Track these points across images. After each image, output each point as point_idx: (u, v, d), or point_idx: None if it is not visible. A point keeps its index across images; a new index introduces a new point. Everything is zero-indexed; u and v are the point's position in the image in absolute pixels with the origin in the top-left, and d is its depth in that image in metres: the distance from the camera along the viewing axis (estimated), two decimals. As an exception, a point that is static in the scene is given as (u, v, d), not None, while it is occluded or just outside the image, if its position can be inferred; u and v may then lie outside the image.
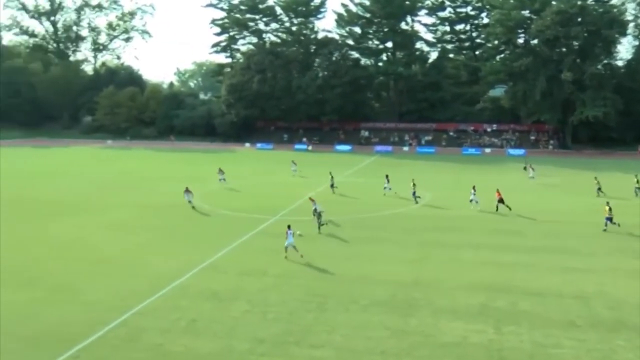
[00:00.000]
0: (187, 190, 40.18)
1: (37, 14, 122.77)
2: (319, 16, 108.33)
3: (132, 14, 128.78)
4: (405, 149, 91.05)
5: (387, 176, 45.42)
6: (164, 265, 25.90)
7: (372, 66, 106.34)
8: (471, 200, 38.76)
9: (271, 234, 32.04)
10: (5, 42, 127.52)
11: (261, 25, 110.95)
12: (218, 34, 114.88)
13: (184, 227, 34.20)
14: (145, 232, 32.76)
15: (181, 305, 21.05)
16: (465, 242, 30.05)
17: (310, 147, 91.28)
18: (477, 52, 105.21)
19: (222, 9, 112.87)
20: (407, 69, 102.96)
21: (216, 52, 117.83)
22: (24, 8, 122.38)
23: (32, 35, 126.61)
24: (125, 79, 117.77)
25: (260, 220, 35.32)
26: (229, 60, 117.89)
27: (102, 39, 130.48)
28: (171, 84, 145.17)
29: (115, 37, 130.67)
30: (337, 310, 20.57)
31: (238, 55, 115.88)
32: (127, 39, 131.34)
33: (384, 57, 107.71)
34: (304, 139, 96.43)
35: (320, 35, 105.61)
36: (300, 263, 26.20)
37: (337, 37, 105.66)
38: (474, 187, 39.49)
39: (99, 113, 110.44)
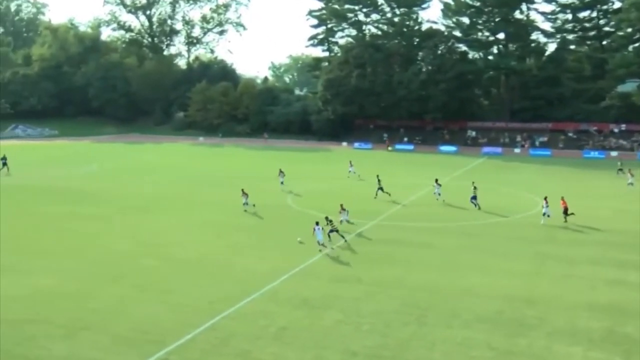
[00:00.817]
0: (243, 193, 40.39)
1: (134, 9, 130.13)
2: (424, 6, 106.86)
3: (226, 7, 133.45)
4: (517, 150, 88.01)
5: (437, 180, 43.91)
6: (254, 269, 26.59)
7: (481, 60, 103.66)
8: (544, 214, 36.05)
9: (369, 239, 32.17)
10: (103, 37, 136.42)
11: (361, 17, 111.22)
12: (315, 26, 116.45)
13: (275, 228, 34.92)
14: (235, 232, 33.78)
15: (271, 311, 21.50)
16: (584, 256, 28.63)
17: (390, 148, 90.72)
18: (604, 43, 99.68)
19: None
20: (521, 63, 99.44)
21: (313, 45, 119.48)
22: (122, 3, 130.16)
23: (129, 30, 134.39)
24: (218, 73, 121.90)
25: (357, 224, 35.40)
26: (326, 54, 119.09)
27: (196, 32, 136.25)
28: (265, 79, 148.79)
29: (209, 30, 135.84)
30: (438, 325, 20.23)
31: (336, 48, 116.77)
32: (221, 32, 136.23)
33: (495, 49, 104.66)
34: (405, 139, 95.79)
35: (425, 27, 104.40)
36: (397, 271, 26.00)
37: (442, 28, 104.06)
38: (545, 199, 36.55)
39: (192, 109, 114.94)
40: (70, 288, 23.85)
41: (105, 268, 26.64)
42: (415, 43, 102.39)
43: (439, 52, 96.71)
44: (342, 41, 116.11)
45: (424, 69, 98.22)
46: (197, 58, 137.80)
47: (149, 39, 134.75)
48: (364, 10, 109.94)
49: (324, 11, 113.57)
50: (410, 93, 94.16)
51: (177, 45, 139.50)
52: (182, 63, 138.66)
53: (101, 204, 42.22)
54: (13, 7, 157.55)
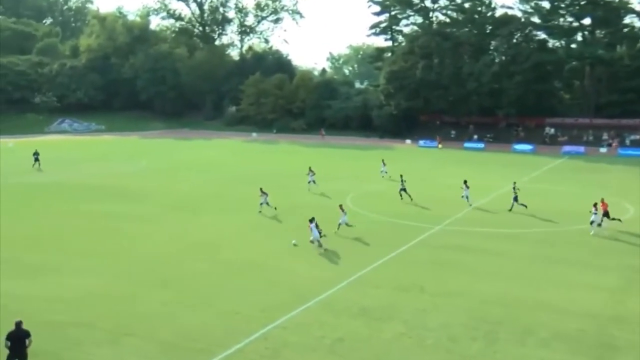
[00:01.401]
0: (262, 192, 40.39)
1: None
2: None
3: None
4: (603, 150, 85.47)
5: (465, 182, 43.31)
6: (309, 275, 26.71)
7: (562, 49, 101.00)
8: (592, 222, 34.38)
9: (434, 245, 31.91)
10: (152, 26, 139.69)
11: (427, 3, 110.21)
12: (377, 14, 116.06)
13: (332, 232, 34.92)
14: (289, 234, 33.89)
15: (327, 321, 21.54)
16: (681, 271, 27.49)
17: (440, 145, 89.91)
18: None
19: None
20: (610, 51, 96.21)
21: (375, 34, 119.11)
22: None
23: (179, 18, 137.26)
24: (272, 64, 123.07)
25: (421, 229, 35.15)
26: (389, 43, 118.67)
27: (250, 20, 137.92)
28: (323, 71, 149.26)
29: (264, 18, 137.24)
30: (510, 342, 19.83)
31: (400, 37, 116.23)
32: (276, 21, 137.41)
33: (579, 37, 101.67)
34: (475, 136, 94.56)
35: (499, 13, 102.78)
36: (465, 281, 25.62)
37: (519, 14, 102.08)
38: (595, 205, 34.55)
39: (244, 102, 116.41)
40: (117, 291, 24.52)
41: (153, 270, 27.29)
42: (488, 31, 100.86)
43: (515, 40, 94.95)
44: (406, 29, 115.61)
45: (496, 60, 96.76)
46: (250, 48, 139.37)
47: (200, 28, 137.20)
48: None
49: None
50: (481, 86, 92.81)
51: (230, 35, 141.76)
52: (234, 54, 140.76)
53: (149, 203, 43.30)
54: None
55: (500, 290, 24.66)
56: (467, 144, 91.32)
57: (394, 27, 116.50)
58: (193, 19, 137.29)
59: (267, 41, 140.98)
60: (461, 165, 67.41)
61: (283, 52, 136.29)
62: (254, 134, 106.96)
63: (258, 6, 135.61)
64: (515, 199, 40.52)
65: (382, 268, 27.89)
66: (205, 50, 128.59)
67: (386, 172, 55.74)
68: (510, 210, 40.30)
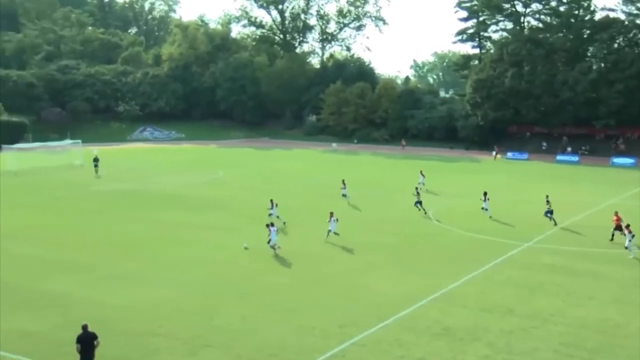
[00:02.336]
0: (272, 203, 40.52)
1: (266, 3, 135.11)
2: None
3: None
4: None
5: (485, 194, 42.55)
6: (388, 291, 26.63)
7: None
8: (627, 247, 32.63)
9: (523, 263, 31.25)
10: (233, 34, 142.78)
11: (519, 7, 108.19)
12: (464, 19, 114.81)
13: (415, 247, 34.74)
14: (370, 250, 33.95)
15: (407, 340, 21.39)
16: None
17: (498, 156, 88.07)
18: None
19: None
20: None
21: (461, 41, 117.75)
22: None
23: (260, 26, 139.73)
24: (354, 73, 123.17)
25: (509, 246, 34.45)
26: (477, 50, 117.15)
27: (331, 27, 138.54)
28: (407, 79, 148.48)
29: (346, 25, 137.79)
30: (607, 372, 19.13)
31: (488, 44, 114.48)
32: (359, 27, 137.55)
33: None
34: (568, 149, 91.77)
35: (599, 16, 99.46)
36: (557, 304, 24.86)
37: (622, 16, 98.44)
38: (627, 227, 33.24)
39: (324, 112, 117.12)
40: (195, 302, 25.15)
41: (231, 283, 27.85)
42: (585, 36, 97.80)
43: (616, 45, 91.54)
44: (495, 36, 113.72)
45: (594, 67, 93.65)
46: (331, 56, 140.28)
47: (281, 36, 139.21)
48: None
49: (475, 2, 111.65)
50: (577, 95, 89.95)
51: (311, 43, 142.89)
52: (315, 62, 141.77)
53: (227, 214, 44.18)
54: (147, 5, 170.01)
55: (597, 316, 23.84)
56: (559, 157, 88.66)
57: (481, 33, 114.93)
58: (274, 26, 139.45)
59: (348, 49, 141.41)
60: (552, 179, 65.56)
61: (365, 60, 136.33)
62: (334, 144, 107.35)
63: (340, 13, 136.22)
64: (550, 212, 40.08)
65: (466, 286, 27.50)
66: (285, 59, 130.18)
67: (424, 184, 54.89)
68: (555, 224, 39.85)
